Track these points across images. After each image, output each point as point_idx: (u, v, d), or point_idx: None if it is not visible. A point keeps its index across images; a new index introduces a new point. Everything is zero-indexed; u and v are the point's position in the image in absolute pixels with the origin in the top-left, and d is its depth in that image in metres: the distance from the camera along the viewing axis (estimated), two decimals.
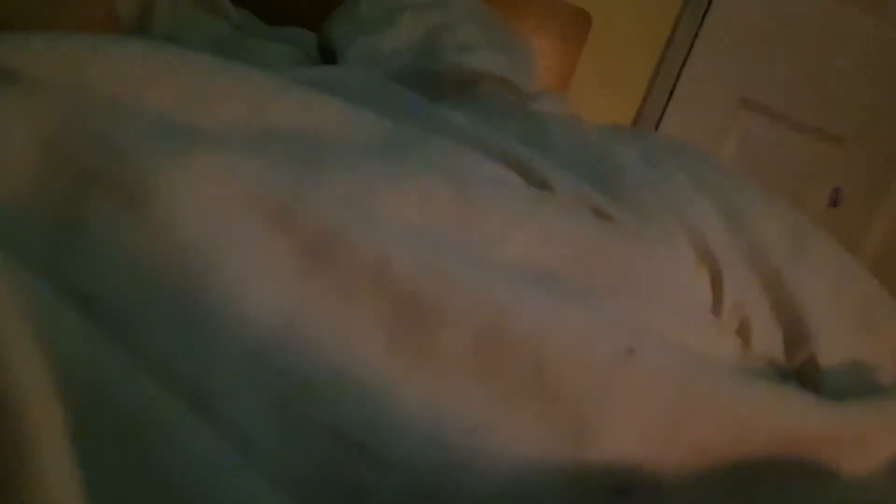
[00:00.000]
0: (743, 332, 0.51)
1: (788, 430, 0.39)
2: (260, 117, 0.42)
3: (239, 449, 0.30)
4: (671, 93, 1.39)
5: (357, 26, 0.82)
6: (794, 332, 0.53)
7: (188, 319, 0.31)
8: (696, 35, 1.36)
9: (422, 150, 0.46)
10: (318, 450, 0.31)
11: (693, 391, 0.37)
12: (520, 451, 0.34)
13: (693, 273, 0.50)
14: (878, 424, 0.45)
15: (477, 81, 0.72)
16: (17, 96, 0.31)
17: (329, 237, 0.34)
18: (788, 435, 0.40)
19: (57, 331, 0.21)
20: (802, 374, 0.53)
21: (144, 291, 0.30)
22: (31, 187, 0.30)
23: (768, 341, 0.52)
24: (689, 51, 1.36)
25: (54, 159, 0.31)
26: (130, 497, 0.22)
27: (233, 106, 0.41)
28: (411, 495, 0.32)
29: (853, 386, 0.53)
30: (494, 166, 0.48)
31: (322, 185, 0.37)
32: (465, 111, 0.55)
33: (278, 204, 0.34)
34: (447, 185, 0.42)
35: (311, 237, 0.34)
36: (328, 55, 0.82)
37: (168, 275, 0.31)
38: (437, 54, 0.77)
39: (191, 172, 0.32)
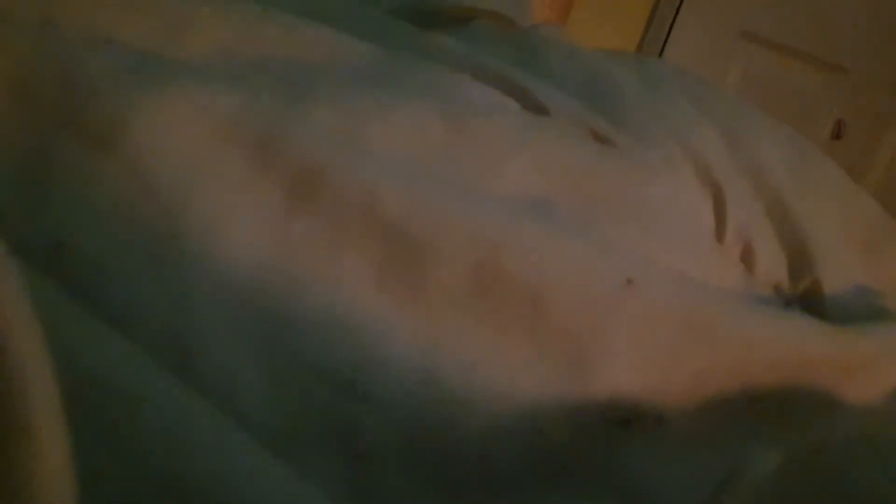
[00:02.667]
0: (746, 257, 0.51)
1: (792, 356, 0.39)
2: (244, 47, 0.41)
3: (225, 397, 0.29)
4: (671, 27, 1.36)
5: None
6: (798, 258, 0.52)
7: (166, 265, 0.30)
8: None
9: (414, 77, 0.45)
10: (308, 391, 0.31)
11: (694, 320, 0.37)
12: (517, 387, 0.34)
13: (695, 198, 0.49)
14: (884, 349, 0.45)
15: (472, 17, 0.70)
16: None
17: (314, 173, 0.33)
18: (792, 361, 0.39)
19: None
20: (806, 300, 0.53)
21: (118, 236, 0.29)
22: None
23: (772, 267, 0.52)
24: None
25: (21, 98, 0.30)
26: (101, 469, 0.21)
27: (215, 36, 0.40)
28: (406, 433, 0.32)
29: (858, 311, 0.52)
30: (489, 92, 0.47)
31: (308, 118, 0.36)
32: (459, 39, 0.54)
33: (260, 140, 0.33)
34: (440, 114, 0.41)
35: (294, 173, 0.33)
36: None
37: (142, 218, 0.30)
38: None
39: (165, 108, 0.31)
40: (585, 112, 0.49)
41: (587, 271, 0.36)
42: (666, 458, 0.36)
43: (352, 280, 0.33)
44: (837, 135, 1.30)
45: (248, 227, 0.32)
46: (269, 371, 0.31)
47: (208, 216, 0.31)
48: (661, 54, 1.36)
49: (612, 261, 0.37)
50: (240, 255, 0.32)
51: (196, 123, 0.32)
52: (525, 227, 0.35)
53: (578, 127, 0.47)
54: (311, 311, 0.32)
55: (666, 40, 1.36)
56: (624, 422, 0.36)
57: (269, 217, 0.33)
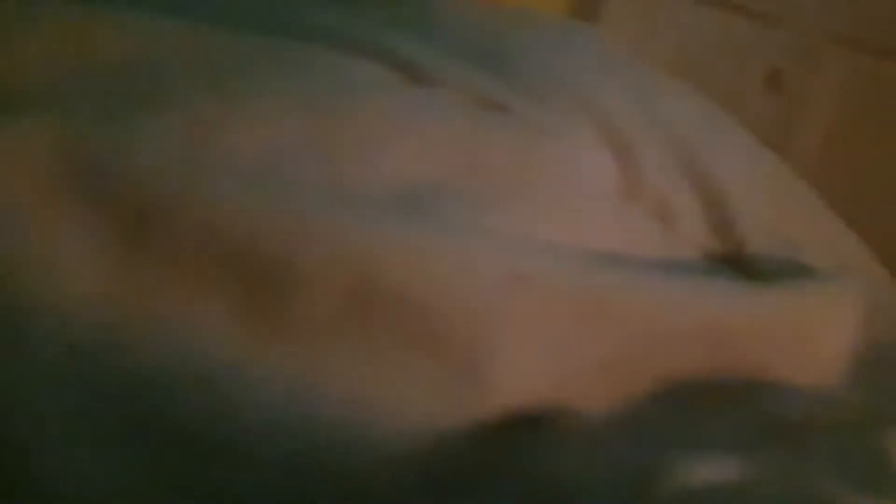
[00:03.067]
0: (666, 217, 0.48)
1: (707, 327, 0.36)
2: (76, 51, 0.35)
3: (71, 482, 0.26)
4: None
5: None
6: (717, 215, 0.50)
7: None
8: None
9: (276, 64, 0.40)
10: (168, 455, 0.28)
11: (593, 302, 0.35)
12: (409, 413, 0.31)
13: (599, 161, 0.46)
14: (815, 308, 0.42)
15: None
16: None
17: (148, 205, 0.30)
18: (709, 333, 0.36)
19: None
20: (731, 258, 0.50)
21: None
22: None
23: (689, 224, 0.49)
24: None
25: None
26: None
27: (42, 43, 0.35)
28: (288, 480, 0.29)
29: (782, 267, 0.50)
30: (365, 67, 0.42)
31: (141, 132, 0.32)
32: (335, 3, 0.49)
33: (87, 172, 0.29)
34: (305, 105, 0.37)
35: (128, 208, 0.30)
36: None
37: None
38: None
39: None
40: (477, 77, 0.44)
41: (472, 272, 0.33)
42: (580, 453, 0.33)
43: (207, 322, 0.29)
44: (774, 85, 1.29)
45: (82, 276, 0.28)
46: (119, 437, 0.27)
47: (36, 268, 0.28)
48: (594, 14, 1.33)
49: (498, 255, 0.34)
50: (75, 309, 0.28)
51: (15, 162, 0.28)
52: (400, 234, 0.32)
53: (468, 96, 0.43)
54: (163, 365, 0.28)
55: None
56: (530, 421, 0.33)
57: (103, 262, 0.29)
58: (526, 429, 0.33)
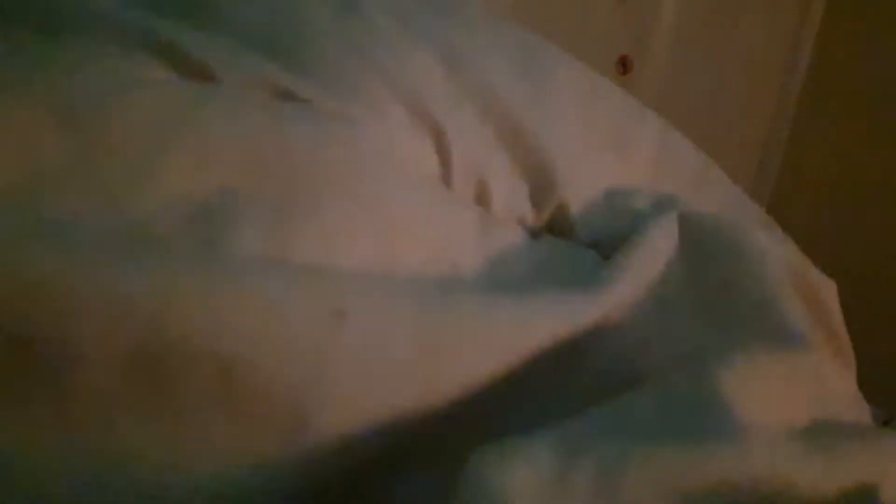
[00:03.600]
0: (482, 195, 0.46)
1: (518, 342, 0.36)
2: None
3: None
4: None
5: None
6: (541, 180, 0.48)
7: None
8: None
9: (29, 72, 0.34)
10: None
11: (430, 332, 0.33)
12: (227, 475, 0.28)
13: (411, 146, 0.43)
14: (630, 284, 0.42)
15: None
16: None
17: None
18: (520, 346, 0.36)
19: None
20: (554, 224, 0.50)
21: None
22: None
23: (512, 199, 0.47)
24: None
25: None
26: None
27: None
28: None
29: (607, 222, 0.50)
30: (134, 64, 0.37)
31: None
32: None
33: None
34: (58, 124, 0.31)
35: None
36: None
37: None
38: None
39: None
40: (265, 65, 0.39)
41: (284, 318, 0.29)
42: (430, 479, 0.32)
43: None
44: (623, 69, 1.28)
45: None
46: None
47: None
48: None
49: (316, 292, 0.31)
50: None
51: None
52: (186, 276, 0.28)
53: (256, 87, 0.39)
54: None
55: None
56: (374, 462, 0.32)
57: None
58: (371, 468, 0.32)
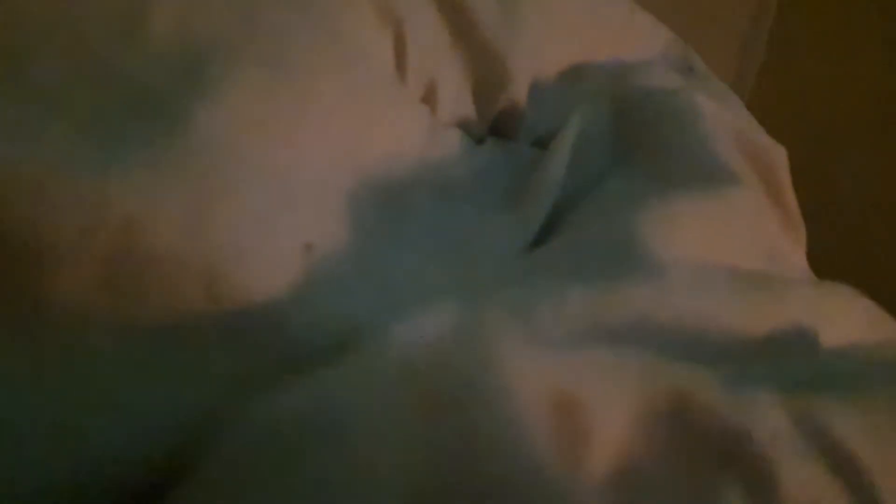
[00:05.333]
0: (429, 98, 0.46)
1: None
2: None
3: None
4: None
5: None
6: (493, 79, 0.48)
7: None
8: None
9: None
10: None
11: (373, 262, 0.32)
12: (207, 394, 0.26)
13: (375, 38, 0.43)
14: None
15: None
16: None
17: None
18: None
19: None
20: (501, 124, 0.50)
21: None
22: None
23: (457, 104, 0.47)
24: None
25: None
26: None
27: None
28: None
29: (553, 115, 0.50)
30: None
31: None
32: None
33: None
34: None
35: None
36: None
37: None
38: None
39: None
40: None
41: (262, 242, 0.28)
42: None
43: None
44: None
45: None
46: None
47: None
48: None
49: (288, 224, 0.30)
50: None
51: None
52: (168, 194, 0.26)
53: None
54: None
55: None
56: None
57: None
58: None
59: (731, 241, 0.37)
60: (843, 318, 0.36)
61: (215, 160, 0.29)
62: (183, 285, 0.26)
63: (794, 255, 0.46)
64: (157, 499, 0.23)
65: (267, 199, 0.30)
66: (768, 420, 0.24)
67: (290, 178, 0.32)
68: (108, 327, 0.25)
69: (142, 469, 0.24)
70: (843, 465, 0.24)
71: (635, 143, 0.45)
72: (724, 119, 0.47)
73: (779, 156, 0.49)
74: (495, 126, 0.50)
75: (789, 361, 0.31)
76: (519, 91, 0.49)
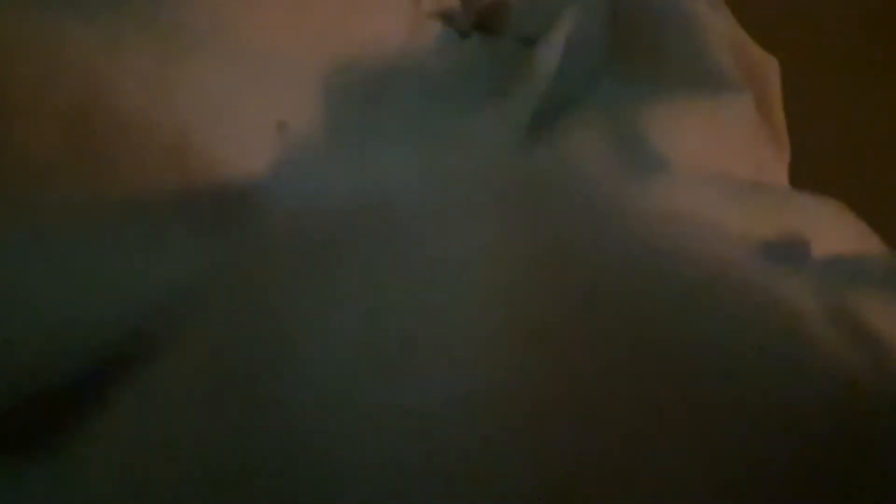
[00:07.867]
0: None
1: None
2: None
3: None
4: None
5: None
6: None
7: None
8: None
9: None
10: None
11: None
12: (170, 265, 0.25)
13: None
14: None
15: None
16: None
17: None
18: None
19: None
20: (488, 19, 0.48)
21: None
22: None
23: None
24: None
25: None
26: None
27: None
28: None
29: (546, 13, 0.47)
30: None
31: None
32: None
33: None
34: None
35: None
36: None
37: None
38: None
39: None
40: None
41: (235, 111, 0.27)
42: None
43: None
44: None
45: None
46: None
47: None
48: None
49: (259, 97, 0.28)
50: None
51: None
52: (143, 36, 0.25)
53: None
54: None
55: None
56: None
57: None
58: None
59: (727, 147, 0.37)
60: (833, 231, 0.36)
61: (184, 18, 0.27)
62: (151, 150, 0.25)
63: (778, 170, 0.46)
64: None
65: (237, 69, 0.28)
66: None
67: (262, 55, 0.30)
68: (71, 191, 0.24)
69: (93, 344, 0.23)
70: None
71: (635, 44, 0.44)
72: (720, 29, 0.46)
73: (772, 68, 0.48)
74: (481, 21, 0.47)
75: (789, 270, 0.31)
76: None
